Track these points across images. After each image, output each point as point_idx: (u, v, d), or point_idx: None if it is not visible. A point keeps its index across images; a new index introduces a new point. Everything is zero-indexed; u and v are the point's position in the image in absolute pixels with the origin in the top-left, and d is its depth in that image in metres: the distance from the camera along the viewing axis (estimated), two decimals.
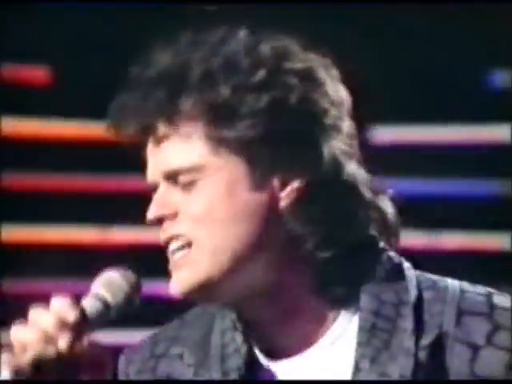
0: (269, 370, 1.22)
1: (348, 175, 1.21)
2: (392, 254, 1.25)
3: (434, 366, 1.17)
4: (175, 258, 1.19)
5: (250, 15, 1.39)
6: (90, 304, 1.14)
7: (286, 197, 1.19)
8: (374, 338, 1.17)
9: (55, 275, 3.90)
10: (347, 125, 1.24)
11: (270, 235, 1.19)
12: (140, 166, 1.26)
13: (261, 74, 1.18)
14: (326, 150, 1.19)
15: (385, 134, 3.88)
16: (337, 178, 1.21)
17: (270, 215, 1.19)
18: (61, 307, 1.10)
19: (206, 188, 1.17)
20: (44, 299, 1.13)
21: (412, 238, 3.59)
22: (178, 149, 1.18)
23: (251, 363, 1.22)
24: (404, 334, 1.17)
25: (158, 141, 1.19)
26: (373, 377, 1.16)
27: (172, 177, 1.19)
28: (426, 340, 1.18)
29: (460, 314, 1.19)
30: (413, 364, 1.16)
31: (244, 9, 3.21)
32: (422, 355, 1.17)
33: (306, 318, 1.21)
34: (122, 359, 1.31)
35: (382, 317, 1.18)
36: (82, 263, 3.93)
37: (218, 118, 1.17)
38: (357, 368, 1.17)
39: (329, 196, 1.21)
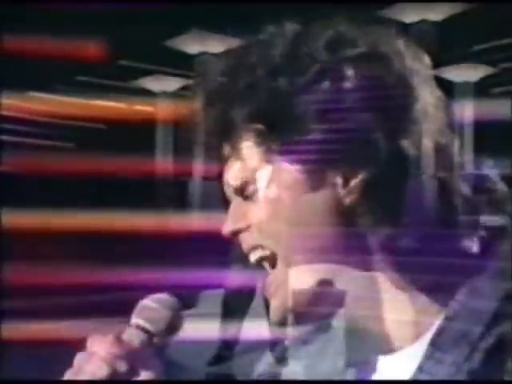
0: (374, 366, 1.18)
1: (413, 159, 1.12)
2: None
3: (489, 362, 1.09)
4: (265, 287, 1.19)
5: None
6: (131, 335, 1.18)
7: (349, 192, 1.14)
8: (449, 328, 1.13)
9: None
10: (420, 100, 1.12)
11: (339, 232, 1.14)
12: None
13: (310, 73, 1.16)
14: (390, 140, 1.11)
15: None
16: (403, 165, 1.12)
17: (337, 212, 1.15)
18: (107, 345, 1.13)
19: (266, 196, 1.18)
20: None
21: None
22: (236, 164, 1.21)
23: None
24: (477, 325, 1.10)
25: (225, 158, 1.22)
26: (431, 364, 1.12)
27: (238, 192, 1.22)
28: (493, 333, 1.10)
29: None
30: (467, 353, 1.10)
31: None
32: (482, 346, 1.10)
33: (403, 314, 1.15)
34: None
35: (469, 309, 1.12)
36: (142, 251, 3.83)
37: (263, 126, 1.17)
38: (424, 356, 1.13)
39: (396, 183, 1.13)
